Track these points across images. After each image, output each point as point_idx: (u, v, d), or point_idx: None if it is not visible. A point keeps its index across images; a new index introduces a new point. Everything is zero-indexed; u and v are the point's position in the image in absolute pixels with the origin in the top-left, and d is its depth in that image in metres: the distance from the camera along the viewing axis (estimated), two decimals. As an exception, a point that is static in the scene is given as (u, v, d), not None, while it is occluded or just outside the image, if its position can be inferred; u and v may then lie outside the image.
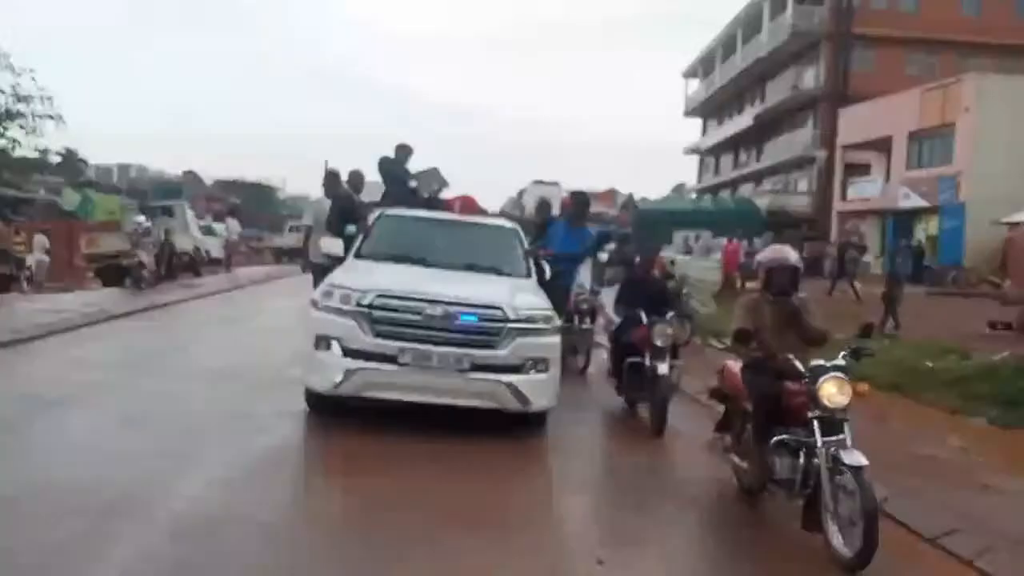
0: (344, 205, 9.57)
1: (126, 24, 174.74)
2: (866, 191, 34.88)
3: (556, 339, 6.87)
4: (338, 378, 6.21)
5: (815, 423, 4.62)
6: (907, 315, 16.74)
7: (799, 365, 4.84)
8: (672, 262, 9.95)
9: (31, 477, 4.75)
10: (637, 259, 9.04)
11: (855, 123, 35.32)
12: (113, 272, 17.81)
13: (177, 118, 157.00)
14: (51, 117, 19.85)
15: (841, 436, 4.55)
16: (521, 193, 59.34)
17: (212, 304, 16.09)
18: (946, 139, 29.98)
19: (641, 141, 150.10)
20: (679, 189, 59.22)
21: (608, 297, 9.44)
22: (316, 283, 8.25)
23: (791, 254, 5.50)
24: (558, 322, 7.17)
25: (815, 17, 40.93)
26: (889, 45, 39.82)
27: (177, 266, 20.23)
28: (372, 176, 10.42)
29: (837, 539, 4.44)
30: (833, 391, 4.61)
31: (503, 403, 6.43)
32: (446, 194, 10.43)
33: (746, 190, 47.67)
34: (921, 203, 30.88)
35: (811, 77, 41.70)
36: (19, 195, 29.13)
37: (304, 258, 12.00)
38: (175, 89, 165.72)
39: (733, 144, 52.51)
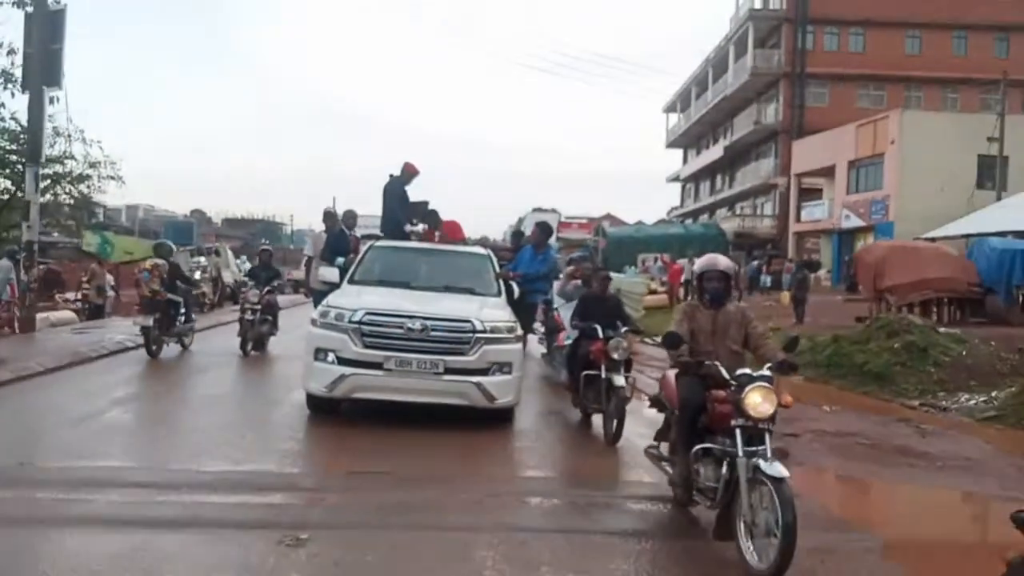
0: (337, 239, 11.26)
1: (130, 64, 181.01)
2: (815, 214, 39.36)
3: (518, 346, 7.92)
4: (333, 382, 7.37)
5: (738, 432, 4.56)
6: (814, 315, 21.19)
7: (725, 373, 4.78)
8: (609, 277, 12.86)
9: (223, 390, 9.35)
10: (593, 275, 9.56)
11: (806, 153, 39.84)
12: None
13: (179, 157, 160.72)
14: (113, 178, 23.56)
15: (763, 447, 4.50)
16: (521, 220, 63.33)
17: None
18: (877, 167, 34.47)
19: (638, 169, 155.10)
20: (671, 213, 63.73)
21: (566, 312, 10.19)
22: (316, 304, 9.53)
23: (721, 260, 5.47)
24: (520, 332, 8.18)
25: (774, 59, 45.59)
26: (841, 81, 44.33)
27: (223, 295, 24.74)
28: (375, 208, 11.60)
29: (750, 550, 4.40)
30: (758, 401, 4.55)
31: (473, 400, 7.45)
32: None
33: (721, 214, 52.10)
34: (859, 223, 35.28)
35: (772, 112, 46.28)
36: (45, 240, 33.42)
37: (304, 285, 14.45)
38: (176, 128, 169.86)
39: (710, 172, 57.06)
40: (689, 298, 5.29)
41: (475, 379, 7.40)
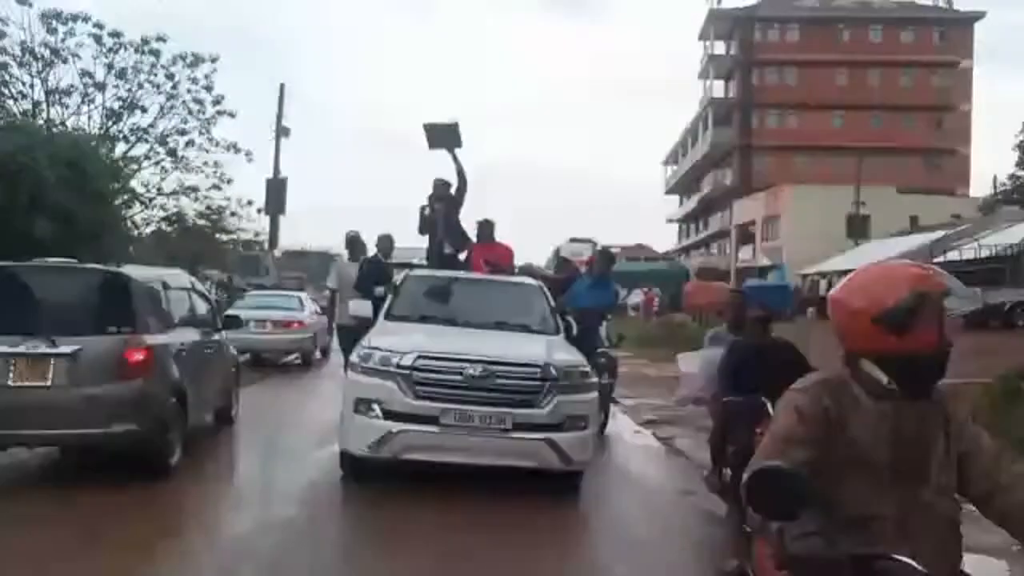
0: (373, 265, 9.66)
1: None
2: (746, 254, 53.59)
3: (594, 395, 6.88)
4: (378, 440, 6.19)
5: None
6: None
7: None
8: (769, 320, 7.46)
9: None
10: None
11: (742, 210, 54.12)
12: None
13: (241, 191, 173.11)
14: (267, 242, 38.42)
15: None
16: (558, 250, 73.21)
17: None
18: (777, 223, 48.62)
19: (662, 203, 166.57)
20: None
21: (693, 361, 7.35)
22: (342, 344, 9.24)
23: (953, 281, 2.22)
24: (595, 378, 7.12)
25: (727, 135, 59.90)
26: (781, 152, 58.06)
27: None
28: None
29: None
30: None
31: (545, 462, 6.30)
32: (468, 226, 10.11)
33: (701, 251, 66.33)
34: (767, 262, 49.34)
35: (728, 175, 60.56)
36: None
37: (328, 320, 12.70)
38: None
39: (693, 217, 71.34)
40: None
41: (548, 436, 6.25)
